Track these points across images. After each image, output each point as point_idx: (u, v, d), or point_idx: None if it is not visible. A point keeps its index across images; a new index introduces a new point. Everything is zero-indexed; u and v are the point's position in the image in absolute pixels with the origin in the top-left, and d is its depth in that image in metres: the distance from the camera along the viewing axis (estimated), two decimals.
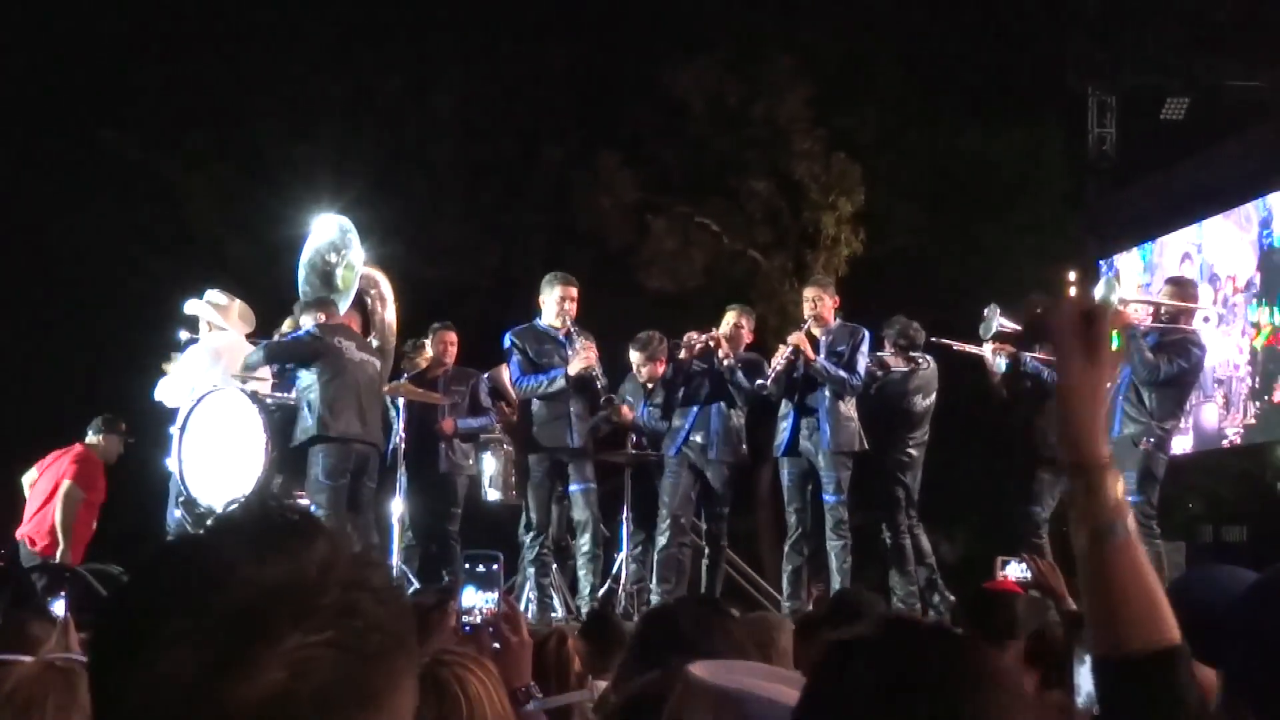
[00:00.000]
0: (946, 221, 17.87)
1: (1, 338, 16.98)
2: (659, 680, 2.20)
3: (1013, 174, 18.11)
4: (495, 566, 3.34)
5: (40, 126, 17.64)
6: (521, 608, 8.49)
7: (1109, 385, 1.83)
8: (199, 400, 8.89)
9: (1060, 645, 4.07)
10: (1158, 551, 8.40)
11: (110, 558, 10.09)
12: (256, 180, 17.48)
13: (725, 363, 9.18)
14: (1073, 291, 12.70)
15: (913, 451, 9.46)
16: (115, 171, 17.82)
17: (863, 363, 9.17)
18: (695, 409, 9.30)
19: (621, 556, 9.55)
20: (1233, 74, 16.07)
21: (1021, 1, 17.78)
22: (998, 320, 9.18)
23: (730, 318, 9.50)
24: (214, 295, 9.60)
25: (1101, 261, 16.81)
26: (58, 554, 9.80)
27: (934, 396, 9.53)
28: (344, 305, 9.30)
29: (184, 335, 9.53)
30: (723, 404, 9.27)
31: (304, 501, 8.31)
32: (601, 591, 9.39)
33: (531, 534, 9.11)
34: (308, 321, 8.88)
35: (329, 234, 9.62)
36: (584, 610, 8.82)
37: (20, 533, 10.11)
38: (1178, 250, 15.95)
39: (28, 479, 10.34)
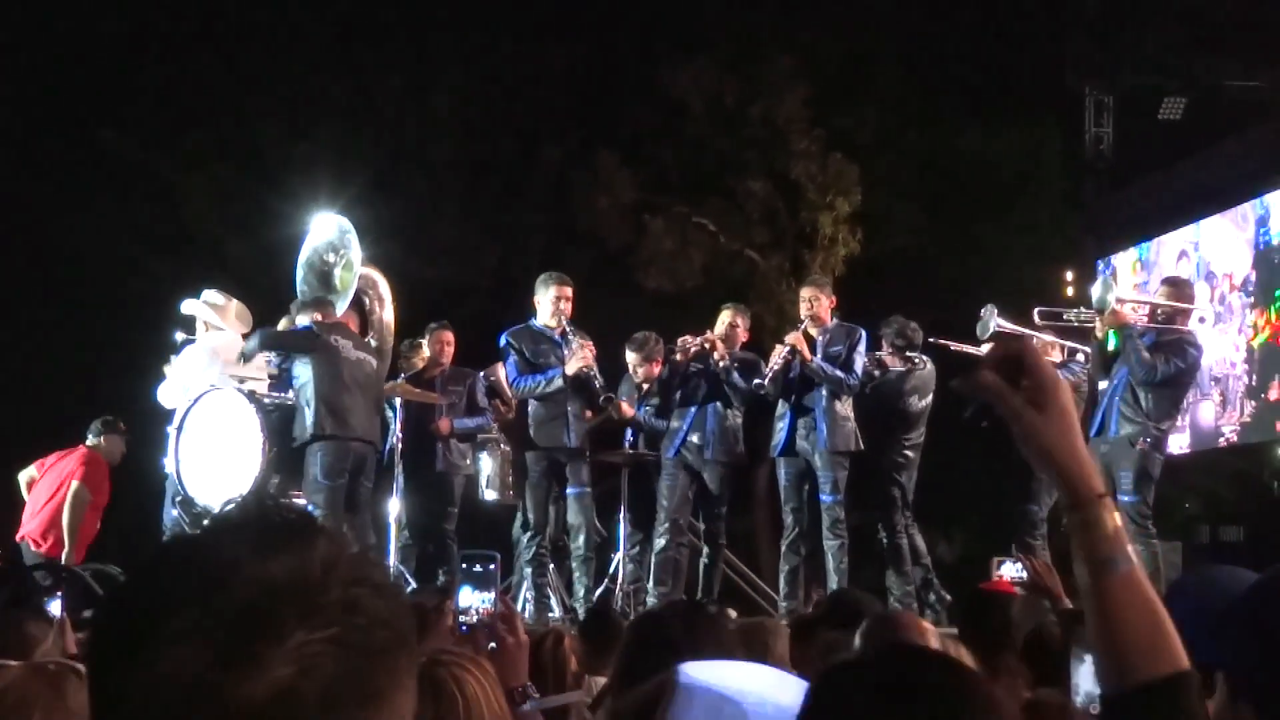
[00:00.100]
0: (944, 221, 17.87)
1: (1, 338, 16.98)
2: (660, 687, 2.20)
3: (1011, 174, 18.11)
4: (492, 566, 3.34)
5: (40, 126, 17.64)
6: (519, 607, 8.52)
7: (1076, 409, 1.80)
8: (196, 400, 8.89)
9: (1057, 644, 4.08)
10: (1154, 552, 8.40)
11: (106, 557, 10.11)
12: (256, 180, 17.47)
13: (720, 364, 9.19)
14: (1069, 290, 12.70)
15: (909, 452, 9.47)
16: (115, 171, 17.82)
17: (860, 363, 9.17)
18: (692, 410, 9.30)
19: (618, 556, 9.55)
20: (1230, 74, 16.08)
21: (1019, 2, 17.78)
22: (995, 320, 9.18)
23: (725, 317, 9.50)
24: (211, 295, 9.60)
25: (1100, 261, 16.82)
26: (63, 555, 9.81)
27: (931, 397, 9.53)
28: (342, 305, 9.30)
29: (180, 336, 9.53)
30: (719, 404, 9.27)
31: (301, 501, 8.31)
32: (599, 592, 9.40)
33: (529, 534, 9.12)
34: (304, 320, 8.89)
35: (328, 234, 9.62)
36: (579, 611, 8.83)
37: (23, 533, 10.09)
38: (1174, 249, 15.96)
39: (24, 477, 10.34)
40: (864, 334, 9.28)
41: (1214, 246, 15.30)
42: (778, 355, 9.13)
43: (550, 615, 8.87)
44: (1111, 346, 8.51)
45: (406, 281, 11.03)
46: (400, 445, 9.51)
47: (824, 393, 9.09)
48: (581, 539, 9.10)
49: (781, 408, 9.29)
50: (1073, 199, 18.15)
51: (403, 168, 18.17)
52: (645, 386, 9.68)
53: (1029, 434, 1.70)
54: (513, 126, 18.59)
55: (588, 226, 17.86)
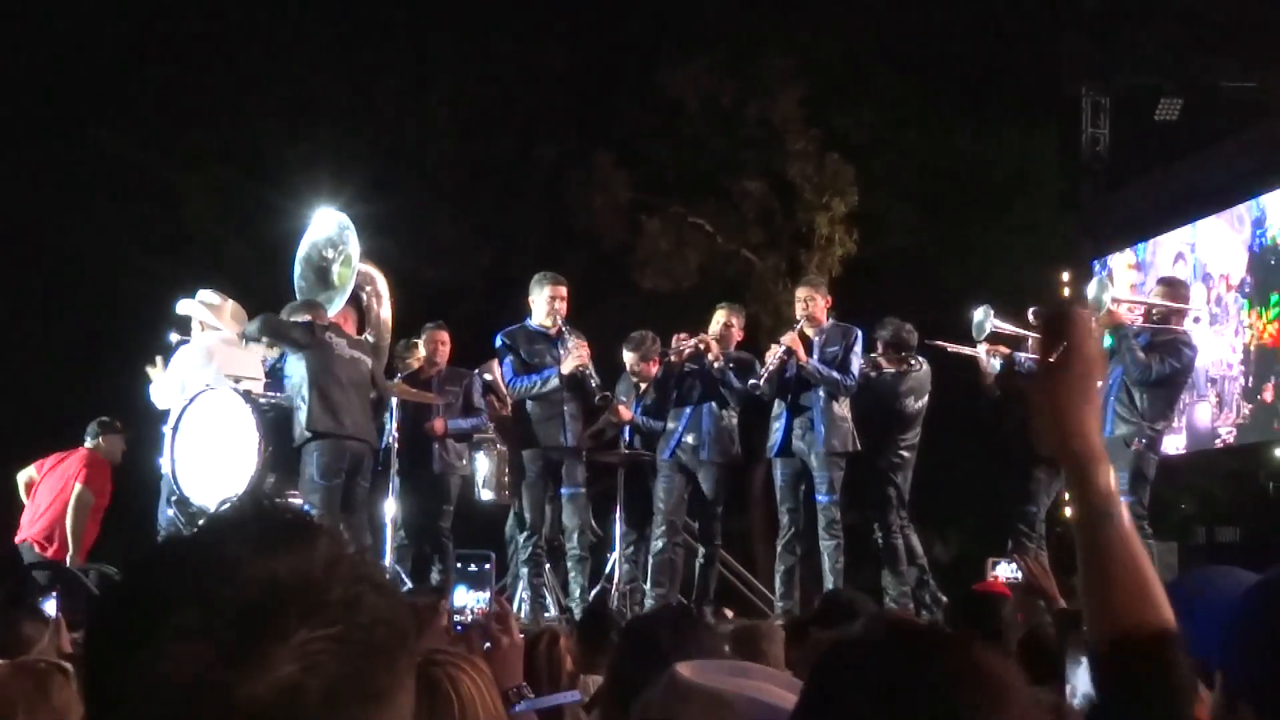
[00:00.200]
0: (941, 222, 17.88)
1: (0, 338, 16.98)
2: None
3: (1007, 174, 18.12)
4: (487, 566, 3.35)
5: (39, 127, 17.62)
6: (515, 607, 8.52)
7: (1099, 384, 1.86)
8: (192, 400, 8.87)
9: (1053, 645, 4.09)
10: (1150, 552, 8.39)
11: (102, 557, 10.10)
12: (254, 180, 17.46)
13: (715, 365, 9.18)
14: (1065, 291, 12.74)
15: (905, 453, 9.48)
16: (113, 172, 17.80)
17: (856, 363, 9.17)
18: (687, 410, 9.31)
19: (614, 556, 9.56)
20: (1226, 75, 16.08)
21: (1016, 2, 17.78)
22: (991, 321, 9.20)
23: (720, 317, 9.51)
24: (206, 295, 9.59)
25: (1095, 262, 16.83)
26: (68, 559, 9.80)
27: (926, 398, 9.54)
28: (340, 302, 9.29)
29: (174, 337, 9.52)
30: (714, 404, 9.27)
31: (297, 501, 8.31)
32: (594, 592, 9.40)
33: (525, 534, 9.12)
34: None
35: (327, 230, 9.61)
36: (575, 610, 8.84)
37: (25, 535, 10.07)
38: (1171, 250, 15.97)
39: (23, 478, 10.32)
40: (860, 334, 9.28)
41: (1210, 248, 15.31)
42: (773, 355, 9.13)
43: (546, 615, 8.87)
44: (1106, 345, 8.53)
45: (403, 281, 11.01)
46: (396, 445, 9.51)
47: (821, 393, 9.09)
48: (576, 539, 9.11)
49: (777, 408, 9.30)
50: (1069, 200, 18.15)
51: (399, 168, 18.16)
52: (642, 386, 9.69)
53: (1051, 384, 1.79)
54: (509, 126, 18.59)
55: (584, 226, 17.86)
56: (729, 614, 9.33)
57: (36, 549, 9.95)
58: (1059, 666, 3.68)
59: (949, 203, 17.93)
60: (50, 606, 5.71)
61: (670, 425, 9.32)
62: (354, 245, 9.41)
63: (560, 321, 9.13)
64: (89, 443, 10.28)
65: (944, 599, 9.19)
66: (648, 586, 9.24)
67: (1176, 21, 16.16)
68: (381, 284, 9.95)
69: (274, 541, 1.10)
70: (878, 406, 9.44)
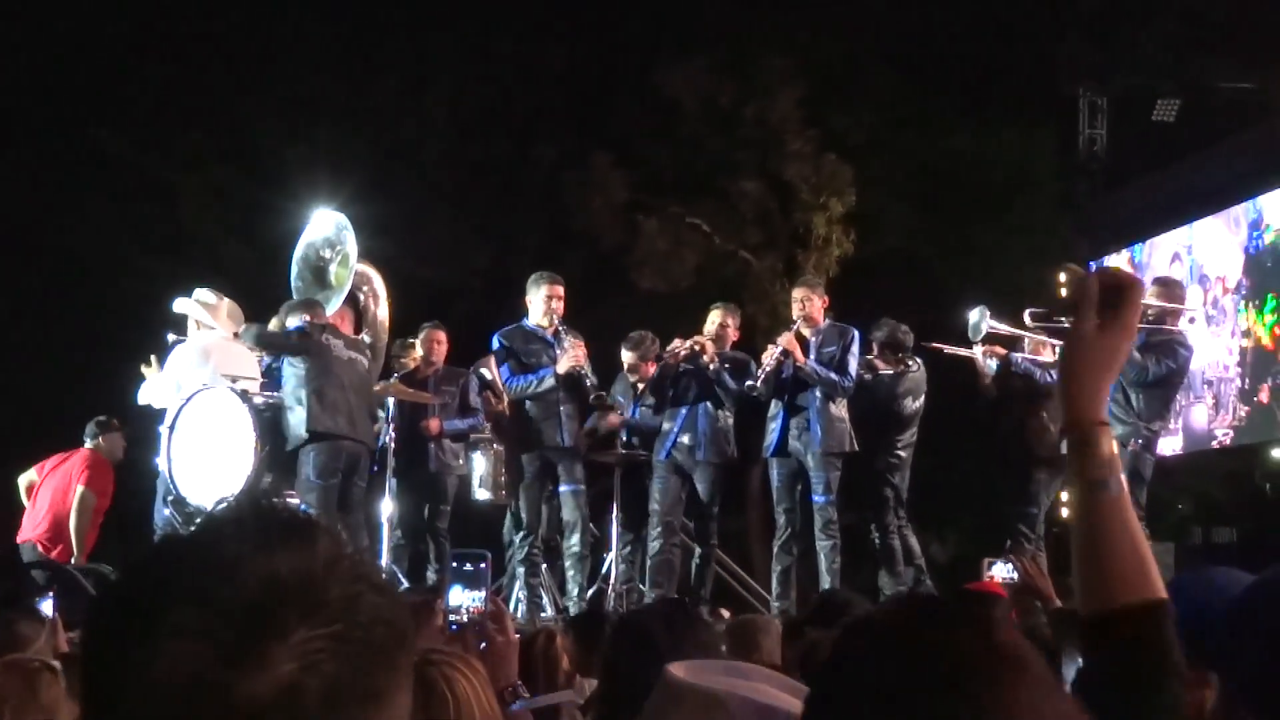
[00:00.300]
0: (938, 222, 17.87)
1: None
2: None
3: (1004, 175, 18.10)
4: (483, 565, 3.35)
5: (36, 127, 17.61)
6: (511, 607, 8.52)
7: (1124, 356, 1.89)
8: (188, 399, 8.86)
9: (1049, 645, 4.09)
10: None
11: (99, 557, 10.08)
12: (253, 180, 17.46)
13: (711, 367, 9.17)
14: (1061, 291, 12.71)
15: (902, 453, 9.49)
16: (112, 172, 17.79)
17: (853, 364, 9.17)
18: (683, 411, 9.30)
19: (611, 557, 9.56)
20: (1223, 76, 16.10)
21: (1013, 3, 17.79)
22: (987, 322, 9.20)
23: (715, 317, 9.50)
24: (203, 294, 9.58)
25: (1092, 263, 16.84)
26: (72, 560, 9.79)
27: (923, 399, 9.56)
28: (337, 302, 9.29)
29: (171, 337, 9.51)
30: (709, 405, 9.26)
31: (294, 500, 8.30)
32: (591, 592, 9.40)
33: (521, 534, 9.12)
34: (294, 321, 8.88)
35: (325, 230, 9.61)
36: (572, 610, 8.83)
37: (27, 536, 10.05)
38: (1168, 251, 15.99)
39: (24, 481, 10.30)
40: (857, 334, 9.27)
41: (1207, 249, 15.33)
42: (769, 356, 9.13)
43: (542, 616, 8.86)
44: None
45: (400, 280, 11.01)
46: (393, 445, 9.50)
47: (817, 393, 9.09)
48: (576, 536, 9.10)
49: (774, 408, 9.30)
50: (1066, 200, 18.17)
51: (398, 167, 18.15)
52: (640, 386, 9.69)
53: (1076, 344, 1.81)
54: (507, 126, 18.59)
55: (582, 226, 17.86)
56: (725, 614, 9.33)
57: (40, 550, 9.93)
58: (1055, 666, 3.68)
59: (946, 203, 17.92)
60: (47, 607, 5.69)
61: (666, 426, 9.32)
62: (351, 245, 9.41)
63: (557, 321, 9.13)
64: (89, 443, 10.26)
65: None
66: (646, 587, 9.24)
67: (1174, 23, 16.18)
68: (379, 284, 9.95)
69: (273, 540, 1.09)
70: (875, 407, 9.45)
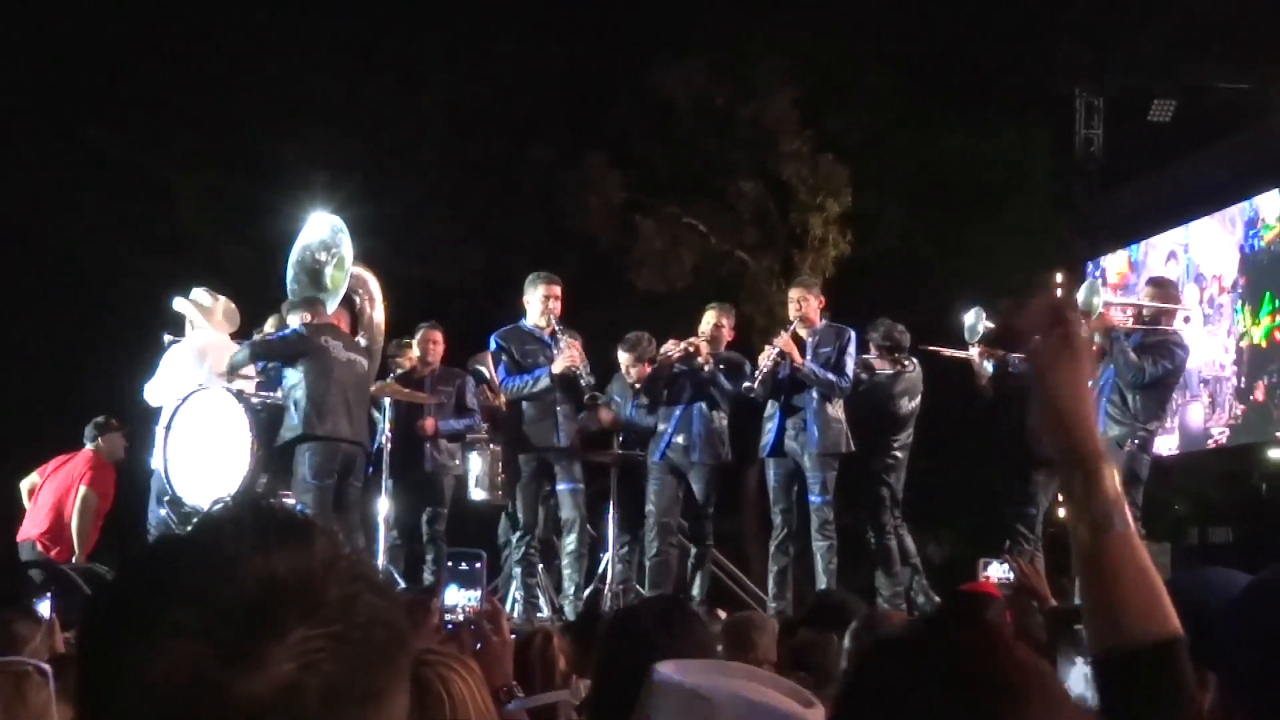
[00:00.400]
0: (934, 223, 17.86)
1: None
2: None
3: (1001, 176, 18.10)
4: (478, 565, 3.35)
5: (33, 127, 17.59)
6: (507, 607, 8.52)
7: (1090, 382, 1.86)
8: (184, 399, 8.87)
9: (1044, 646, 4.09)
10: None
11: (96, 557, 10.08)
12: (249, 181, 17.45)
13: (705, 368, 9.17)
14: (1058, 292, 12.75)
15: (898, 453, 9.49)
16: (108, 172, 17.77)
17: (850, 364, 9.17)
18: (677, 411, 9.30)
19: (607, 557, 9.56)
20: (1219, 76, 16.11)
21: (1009, 4, 17.79)
22: (983, 323, 9.22)
23: (710, 317, 9.49)
24: (199, 295, 9.59)
25: (1089, 263, 16.86)
26: (73, 559, 9.78)
27: (919, 399, 9.56)
28: (332, 305, 9.29)
29: (168, 337, 9.52)
30: (704, 405, 9.26)
31: (290, 501, 8.31)
32: (587, 592, 9.40)
33: (518, 534, 9.12)
34: (294, 321, 8.88)
35: (320, 232, 9.62)
36: (568, 609, 8.84)
37: (26, 534, 10.04)
38: (1164, 251, 16.00)
39: (26, 485, 10.29)
40: (853, 335, 9.28)
41: (1203, 249, 15.34)
42: (766, 357, 9.13)
43: (539, 616, 8.87)
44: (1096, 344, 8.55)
45: (396, 281, 11.01)
46: (389, 445, 9.50)
47: (814, 394, 9.09)
48: (574, 535, 9.10)
49: (770, 408, 9.30)
50: (1062, 201, 18.17)
51: (394, 167, 18.14)
52: (637, 387, 9.69)
53: (1049, 371, 1.78)
54: (503, 127, 18.57)
55: (578, 227, 17.85)
56: (722, 615, 9.33)
57: (39, 549, 9.93)
58: (1050, 665, 3.69)
59: (943, 204, 17.91)
60: (44, 607, 5.69)
61: (661, 426, 9.32)
62: (347, 248, 9.42)
63: (555, 322, 9.12)
64: (90, 444, 10.25)
65: (936, 599, 9.21)
66: (644, 588, 9.24)
67: (1170, 24, 16.18)
68: (374, 287, 9.95)
69: (272, 540, 1.09)
70: (871, 408, 9.45)
